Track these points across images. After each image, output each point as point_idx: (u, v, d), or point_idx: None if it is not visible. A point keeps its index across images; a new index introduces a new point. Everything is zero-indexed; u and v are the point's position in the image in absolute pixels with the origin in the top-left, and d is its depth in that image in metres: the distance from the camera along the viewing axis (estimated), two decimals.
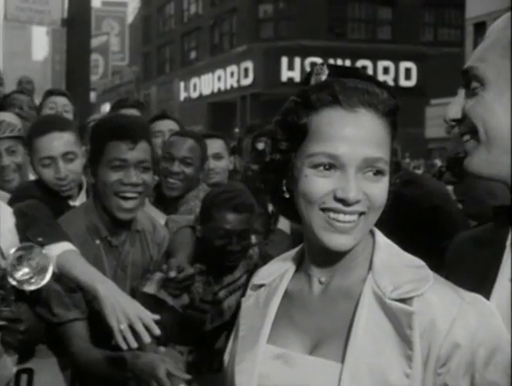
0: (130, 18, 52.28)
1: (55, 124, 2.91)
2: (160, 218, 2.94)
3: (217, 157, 3.68)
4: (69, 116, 4.50)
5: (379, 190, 1.22)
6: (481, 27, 22.51)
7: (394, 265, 1.26)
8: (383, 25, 32.37)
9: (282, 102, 1.32)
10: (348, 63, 31.27)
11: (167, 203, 3.26)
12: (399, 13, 31.52)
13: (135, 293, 2.38)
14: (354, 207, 1.20)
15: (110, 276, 2.41)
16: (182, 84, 38.83)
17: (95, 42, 43.15)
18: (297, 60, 30.78)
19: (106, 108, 51.83)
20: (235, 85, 33.04)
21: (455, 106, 1.34)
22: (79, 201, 2.91)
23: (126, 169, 2.38)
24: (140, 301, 2.13)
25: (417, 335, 1.17)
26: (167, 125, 3.91)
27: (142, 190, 2.42)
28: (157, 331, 2.01)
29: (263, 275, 1.43)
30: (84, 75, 8.34)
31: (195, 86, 37.53)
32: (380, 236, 1.31)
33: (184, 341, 2.65)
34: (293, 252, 1.41)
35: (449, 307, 1.18)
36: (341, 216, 1.20)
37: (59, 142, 2.82)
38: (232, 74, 33.62)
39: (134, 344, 2.00)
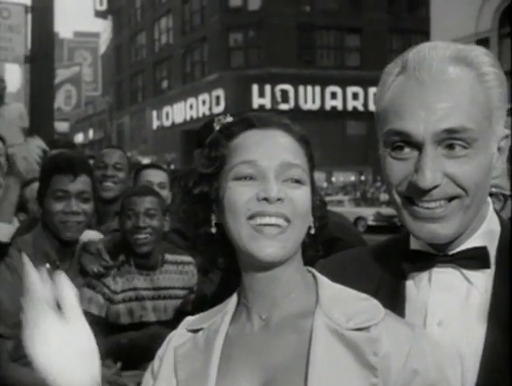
0: (102, 49, 52.44)
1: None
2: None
3: (161, 186, 3.99)
4: (1, 159, 4.60)
5: (300, 195, 1.25)
6: None
7: (342, 299, 1.27)
8: (351, 52, 32.81)
9: None
10: (317, 89, 31.64)
11: (101, 212, 3.68)
12: (366, 40, 32.00)
13: None
14: (278, 208, 1.22)
15: None
16: (154, 113, 38.97)
17: (67, 72, 43.19)
18: (267, 88, 31.08)
19: (79, 138, 51.72)
20: (207, 113, 33.23)
21: (432, 172, 1.24)
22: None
23: (68, 199, 2.68)
24: None
25: (381, 362, 1.17)
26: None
27: (82, 220, 2.71)
28: None
29: (197, 321, 1.39)
30: (49, 110, 8.37)
31: (167, 114, 37.68)
32: (320, 275, 1.33)
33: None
34: (231, 297, 1.39)
35: (404, 336, 1.20)
36: (267, 219, 1.22)
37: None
38: (204, 102, 33.85)
39: None
